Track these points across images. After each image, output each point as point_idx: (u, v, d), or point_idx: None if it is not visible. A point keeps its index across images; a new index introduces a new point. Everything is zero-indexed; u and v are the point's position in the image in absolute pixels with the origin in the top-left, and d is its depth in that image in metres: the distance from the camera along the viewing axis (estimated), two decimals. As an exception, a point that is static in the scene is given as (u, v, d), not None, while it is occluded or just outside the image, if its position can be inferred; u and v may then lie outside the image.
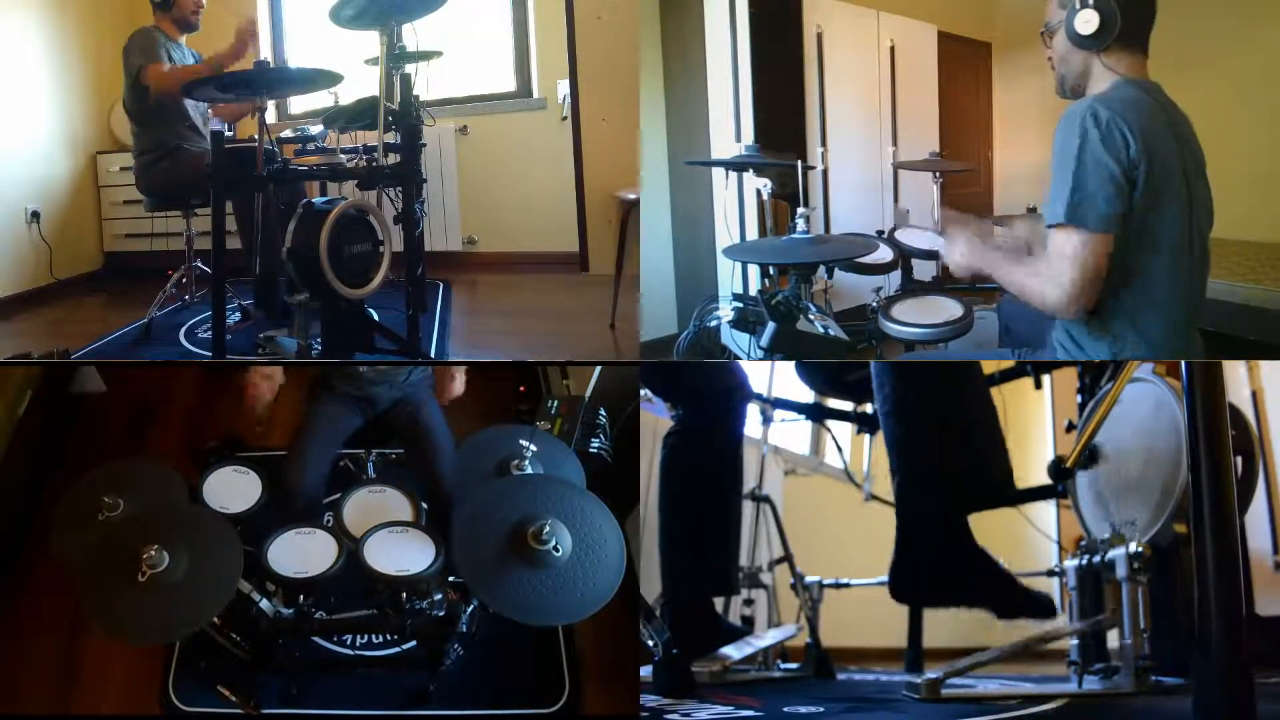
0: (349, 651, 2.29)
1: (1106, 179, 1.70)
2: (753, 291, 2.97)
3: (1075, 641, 2.22)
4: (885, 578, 2.77)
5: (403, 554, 1.98)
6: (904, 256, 2.79)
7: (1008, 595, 2.04)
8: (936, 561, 2.04)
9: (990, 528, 2.21)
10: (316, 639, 2.26)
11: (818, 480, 3.94)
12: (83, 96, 4.05)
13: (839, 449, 3.28)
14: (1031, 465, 3.19)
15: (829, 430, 3.28)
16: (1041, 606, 2.11)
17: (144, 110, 3.30)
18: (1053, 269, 1.76)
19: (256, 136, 2.61)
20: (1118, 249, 1.74)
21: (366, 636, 2.30)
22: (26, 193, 3.77)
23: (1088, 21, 1.79)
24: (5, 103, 3.64)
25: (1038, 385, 2.87)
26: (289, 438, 2.31)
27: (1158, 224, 1.75)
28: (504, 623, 1.82)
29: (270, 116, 3.05)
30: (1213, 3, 3.42)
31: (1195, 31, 3.30)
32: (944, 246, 2.07)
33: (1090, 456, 2.27)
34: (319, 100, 3.84)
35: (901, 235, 2.88)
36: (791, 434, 4.08)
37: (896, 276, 2.78)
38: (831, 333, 2.26)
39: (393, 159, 2.71)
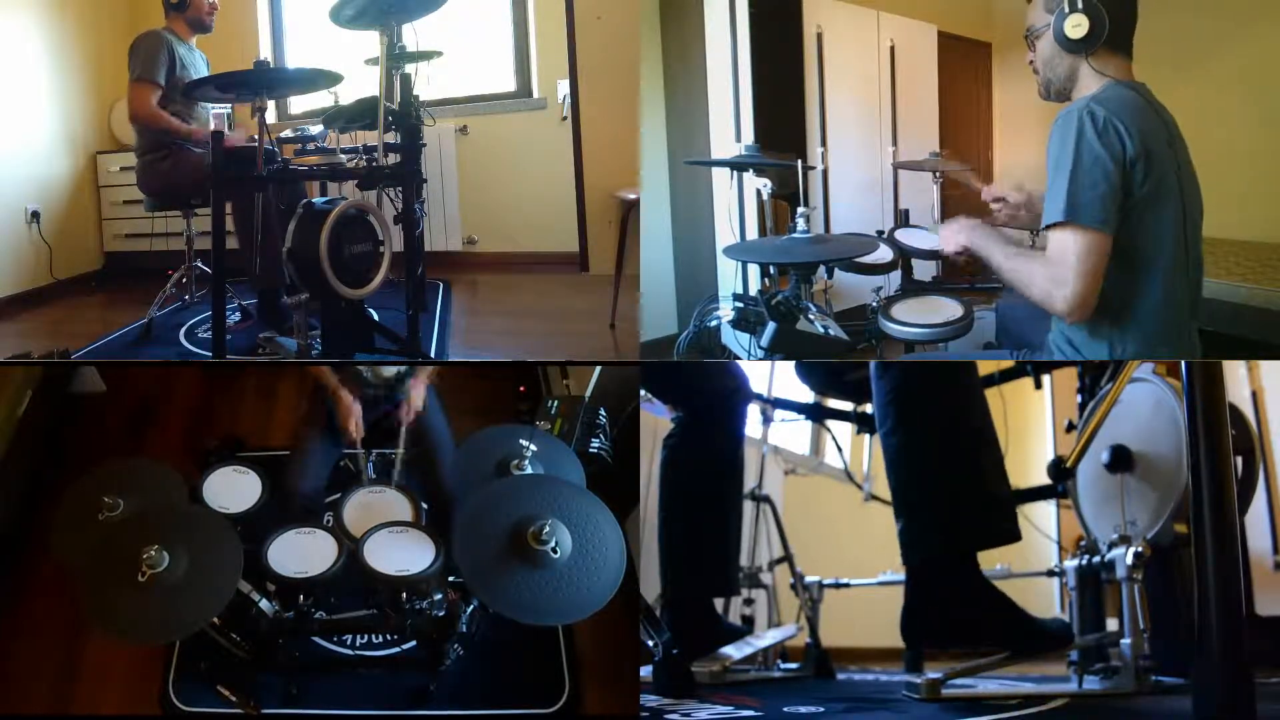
0: (349, 651, 2.28)
1: (1102, 178, 1.69)
2: (753, 291, 2.97)
3: (1076, 641, 2.22)
4: (885, 577, 2.78)
5: (403, 554, 1.98)
6: (904, 256, 2.79)
7: (1022, 634, 2.00)
8: (948, 604, 1.98)
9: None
10: (316, 639, 2.26)
11: (818, 480, 3.94)
12: (83, 96, 4.05)
13: (839, 449, 3.27)
14: (1032, 465, 3.20)
15: (829, 430, 3.27)
16: (1057, 639, 2.06)
17: None
18: (1055, 271, 1.74)
19: (256, 136, 2.62)
20: (1117, 250, 1.73)
21: (366, 636, 2.30)
22: (26, 193, 3.77)
23: (1077, 26, 1.77)
24: (5, 103, 3.64)
25: (1038, 385, 2.88)
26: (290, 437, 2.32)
27: (1156, 224, 1.75)
28: (504, 623, 1.82)
29: (270, 116, 3.05)
30: (1210, 4, 3.42)
31: (1194, 32, 3.31)
32: (941, 229, 2.04)
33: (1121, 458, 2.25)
34: (319, 100, 3.84)
35: (901, 235, 2.88)
36: (791, 434, 4.08)
37: (896, 276, 2.78)
38: (831, 333, 2.26)
39: (393, 159, 2.71)
